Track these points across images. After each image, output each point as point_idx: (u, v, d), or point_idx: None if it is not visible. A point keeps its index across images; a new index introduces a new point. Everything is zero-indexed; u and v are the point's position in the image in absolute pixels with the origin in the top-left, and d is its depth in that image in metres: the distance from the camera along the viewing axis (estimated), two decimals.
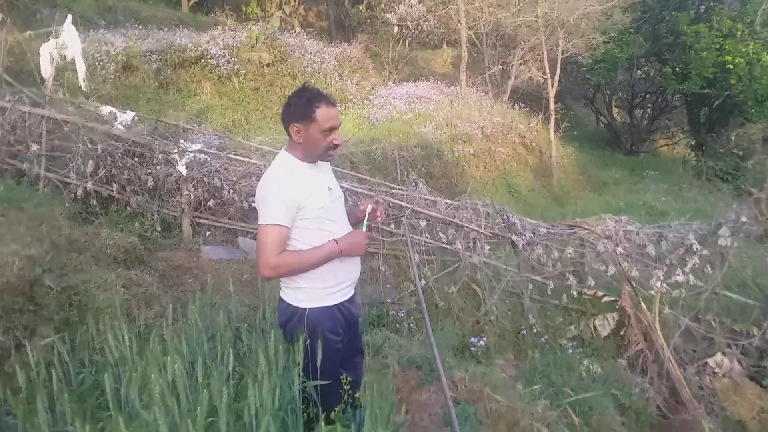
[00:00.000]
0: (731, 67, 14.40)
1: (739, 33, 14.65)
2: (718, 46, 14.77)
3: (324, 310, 2.29)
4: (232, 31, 12.35)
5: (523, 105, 15.31)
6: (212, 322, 2.86)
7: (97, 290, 3.41)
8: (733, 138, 13.93)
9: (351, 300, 2.44)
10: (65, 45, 6.19)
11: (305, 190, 2.20)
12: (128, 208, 5.28)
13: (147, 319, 3.34)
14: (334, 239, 2.26)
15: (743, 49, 14.34)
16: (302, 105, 2.21)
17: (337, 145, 2.28)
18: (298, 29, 16.04)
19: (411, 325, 4.68)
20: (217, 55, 11.26)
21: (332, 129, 2.24)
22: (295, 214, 2.19)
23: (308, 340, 2.21)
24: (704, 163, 14.44)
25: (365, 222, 2.38)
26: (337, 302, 2.33)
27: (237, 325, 2.88)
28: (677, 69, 15.94)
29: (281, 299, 2.36)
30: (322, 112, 2.20)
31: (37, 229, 3.80)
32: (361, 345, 2.67)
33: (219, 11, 15.42)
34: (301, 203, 2.18)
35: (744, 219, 5.19)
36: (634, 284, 5.14)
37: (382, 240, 5.49)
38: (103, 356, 2.49)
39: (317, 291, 2.29)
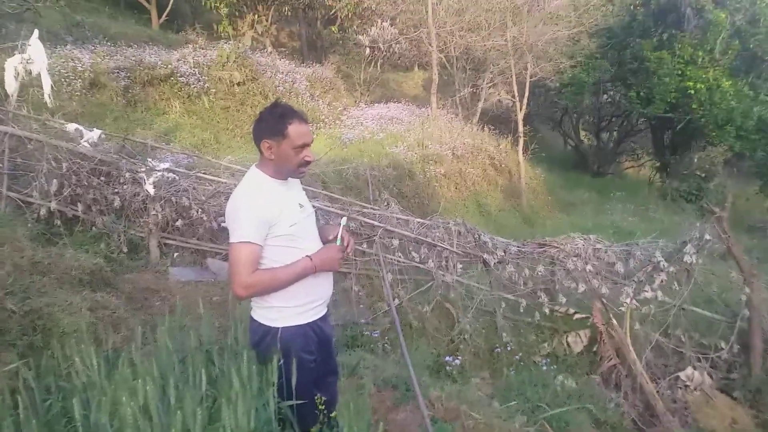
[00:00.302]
0: (693, 92, 14.93)
1: (700, 60, 15.23)
2: (680, 72, 15.31)
3: (297, 328, 2.25)
4: (203, 49, 12.26)
5: (492, 127, 15.54)
6: (182, 345, 2.77)
7: (62, 314, 3.28)
8: (695, 160, 14.37)
9: (324, 318, 2.40)
10: (31, 60, 6.06)
11: (276, 207, 2.16)
12: (93, 228, 5.13)
13: (115, 342, 3.22)
14: (307, 255, 2.22)
15: (704, 76, 14.90)
16: (274, 121, 2.18)
17: (308, 162, 2.25)
18: (270, 49, 16.05)
19: (386, 345, 4.64)
20: (187, 73, 11.16)
21: (304, 145, 2.21)
22: (266, 231, 2.14)
23: (282, 360, 2.16)
24: (669, 185, 14.86)
25: (339, 236, 2.34)
26: (309, 320, 2.29)
27: (208, 347, 2.79)
28: (642, 93, 16.44)
29: (252, 319, 2.31)
30: (294, 129, 2.17)
31: None
32: (335, 365, 2.61)
33: (190, 29, 15.35)
34: (272, 220, 2.14)
35: (708, 237, 5.34)
36: (605, 301, 5.21)
37: (355, 260, 5.45)
38: (70, 382, 2.38)
39: (289, 309, 2.24)
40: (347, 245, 2.37)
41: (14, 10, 9.09)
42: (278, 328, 2.22)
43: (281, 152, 2.19)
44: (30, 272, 3.75)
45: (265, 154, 2.21)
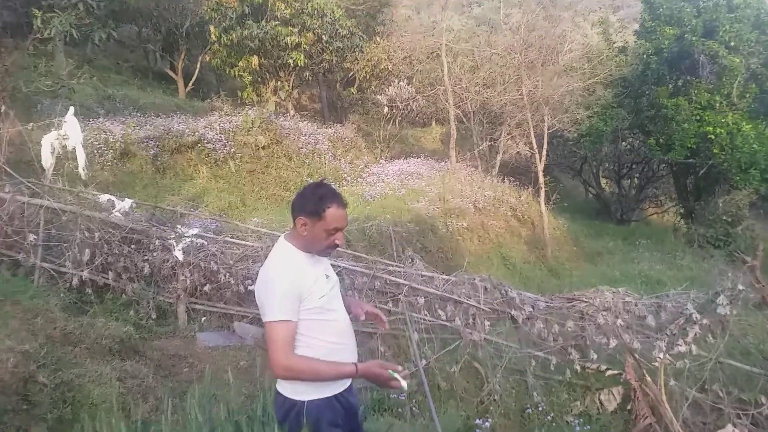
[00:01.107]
0: (713, 137, 14.89)
1: (718, 104, 15.25)
2: (698, 117, 15.34)
3: (323, 401, 2.22)
4: (228, 116, 12.73)
5: (512, 179, 15.63)
6: (211, 415, 2.78)
7: (91, 384, 3.33)
8: (720, 205, 14.17)
9: (349, 389, 2.37)
10: (66, 136, 6.37)
11: (306, 282, 2.19)
12: (123, 296, 5.24)
13: (143, 413, 3.24)
14: (354, 363, 2.23)
15: (723, 120, 14.89)
16: (315, 201, 2.21)
17: (337, 246, 2.28)
18: (292, 112, 16.57)
19: (414, 408, 4.55)
20: (213, 140, 11.54)
21: (337, 230, 2.24)
22: (298, 306, 2.16)
23: None
24: (695, 231, 14.60)
25: (396, 373, 2.25)
26: (335, 392, 2.26)
27: (236, 417, 2.80)
28: (661, 140, 16.44)
29: (278, 392, 2.29)
30: (332, 213, 2.20)
31: (32, 323, 3.75)
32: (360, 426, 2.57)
33: (215, 97, 15.96)
34: (303, 294, 2.16)
35: (741, 287, 5.22)
36: (637, 356, 5.07)
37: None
38: None
39: (315, 382, 2.22)
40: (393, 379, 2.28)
41: (49, 87, 9.60)
42: (304, 401, 2.20)
43: (314, 232, 2.22)
44: (62, 343, 3.82)
45: (298, 230, 2.24)
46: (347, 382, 2.35)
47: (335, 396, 2.26)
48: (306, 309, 2.18)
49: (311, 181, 2.33)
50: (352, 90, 19.08)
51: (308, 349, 2.19)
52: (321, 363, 2.18)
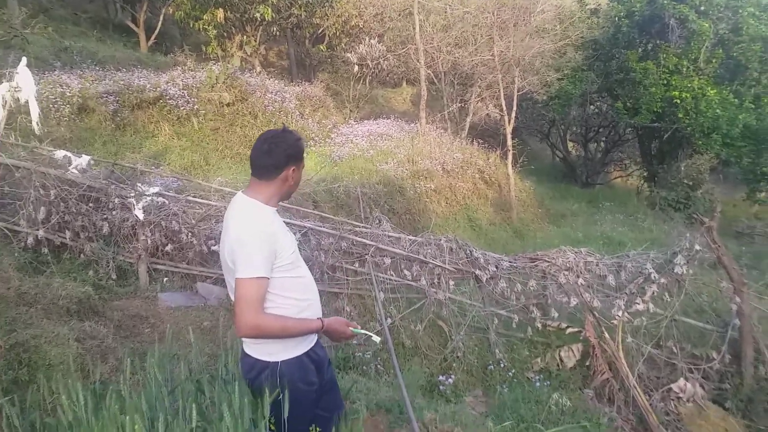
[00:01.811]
0: (678, 101, 15.07)
1: (685, 69, 15.40)
2: (665, 81, 15.47)
3: (294, 360, 2.19)
4: (191, 71, 12.29)
5: (481, 141, 15.62)
6: (172, 375, 2.75)
7: (48, 345, 3.25)
8: (683, 169, 14.48)
9: (318, 343, 2.35)
10: (19, 88, 6.05)
11: (279, 237, 2.14)
12: (82, 255, 5.11)
13: (103, 374, 3.20)
14: (320, 318, 2.26)
15: (689, 85, 15.06)
16: (297, 146, 2.20)
17: None
18: (258, 69, 16.11)
19: (378, 366, 4.61)
20: (176, 96, 11.17)
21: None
22: (273, 262, 2.10)
23: (281, 395, 2.10)
24: (657, 194, 14.93)
25: (360, 330, 2.39)
26: (305, 350, 2.24)
27: (198, 376, 2.77)
28: (628, 104, 16.58)
29: (246, 354, 2.22)
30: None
31: None
32: (334, 376, 2.56)
33: (179, 51, 15.35)
34: (277, 250, 2.11)
35: (697, 247, 5.38)
36: (597, 314, 5.21)
37: (347, 279, 5.44)
38: (56, 417, 2.35)
39: (287, 341, 2.18)
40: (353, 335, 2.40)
41: (1, 37, 9.10)
42: (277, 362, 2.16)
43: (298, 176, 2.24)
44: (16, 303, 3.72)
45: (287, 180, 2.19)
46: (314, 338, 2.32)
47: (305, 353, 2.24)
48: (279, 266, 2.13)
49: (276, 130, 2.23)
50: (322, 47, 18.63)
51: (279, 309, 2.15)
52: (289, 320, 2.15)
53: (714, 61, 15.37)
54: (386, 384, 4.17)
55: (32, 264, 4.79)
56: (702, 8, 15.19)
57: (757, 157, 14.91)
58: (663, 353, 5.20)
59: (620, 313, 5.16)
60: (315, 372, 2.27)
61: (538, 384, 4.78)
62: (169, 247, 5.40)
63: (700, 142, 15.13)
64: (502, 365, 5.06)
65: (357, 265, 5.54)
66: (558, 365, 5.23)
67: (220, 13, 14.73)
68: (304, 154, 2.25)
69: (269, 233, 2.10)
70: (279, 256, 2.11)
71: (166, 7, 17.18)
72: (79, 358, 3.29)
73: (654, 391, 4.94)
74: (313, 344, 2.29)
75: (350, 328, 2.34)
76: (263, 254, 2.06)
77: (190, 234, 5.42)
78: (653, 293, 5.32)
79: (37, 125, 6.39)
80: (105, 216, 5.28)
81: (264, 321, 2.07)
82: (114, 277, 5.05)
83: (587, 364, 5.20)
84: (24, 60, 6.16)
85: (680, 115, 15.17)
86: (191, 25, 15.76)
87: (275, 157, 2.16)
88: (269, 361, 2.17)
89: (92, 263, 5.07)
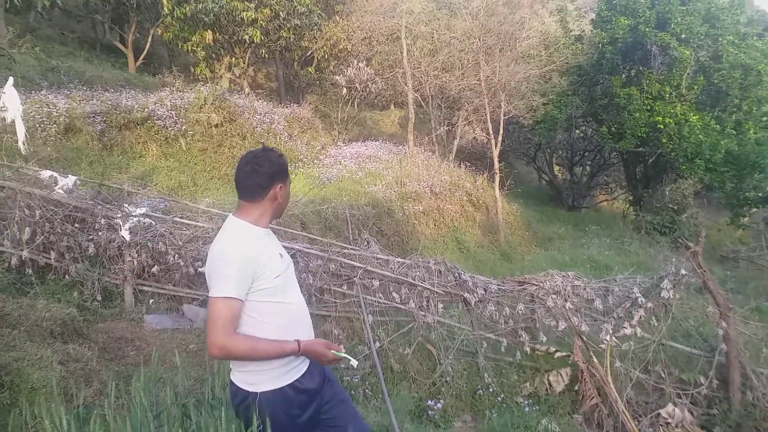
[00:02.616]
0: (662, 126, 15.35)
1: (668, 95, 15.71)
2: (648, 107, 15.77)
3: (275, 392, 2.12)
4: (180, 92, 12.31)
5: (468, 164, 15.76)
6: (157, 399, 2.69)
7: (31, 368, 3.18)
8: (667, 193, 14.67)
9: (307, 373, 2.23)
10: (5, 107, 6.04)
11: (262, 259, 2.09)
12: (67, 276, 5.03)
13: (86, 397, 3.12)
14: (296, 339, 2.14)
15: (672, 111, 15.36)
16: (280, 163, 2.20)
17: None
18: (247, 90, 16.17)
19: (366, 390, 4.56)
20: (164, 116, 11.15)
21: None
22: (249, 285, 2.06)
23: (261, 426, 2.05)
24: (642, 218, 15.10)
25: (342, 353, 2.25)
26: (289, 381, 2.16)
27: (184, 401, 2.72)
28: (613, 129, 16.86)
29: (231, 382, 2.19)
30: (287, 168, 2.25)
31: None
32: (340, 392, 2.43)
33: (167, 72, 15.39)
34: (257, 272, 2.06)
35: (683, 272, 5.41)
36: (585, 339, 5.21)
37: (335, 302, 5.40)
38: None
39: (267, 372, 2.13)
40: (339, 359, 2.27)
41: None
42: (256, 393, 2.11)
43: (286, 192, 2.23)
44: None
45: (276, 199, 2.19)
46: (302, 368, 2.22)
47: (289, 385, 2.15)
48: (259, 290, 2.08)
49: (256, 150, 2.22)
50: (310, 69, 18.77)
51: (258, 333, 2.10)
52: (260, 341, 2.07)
53: (696, 87, 15.70)
54: (374, 409, 4.12)
55: (16, 285, 4.70)
56: (683, 36, 15.56)
57: (740, 182, 15.18)
58: (651, 378, 5.19)
59: (608, 338, 5.16)
60: (305, 402, 2.19)
61: (527, 409, 4.75)
62: (155, 269, 5.34)
63: (684, 167, 15.37)
64: (491, 390, 5.03)
65: (345, 287, 5.50)
66: (547, 390, 5.21)
67: (209, 35, 14.82)
68: (288, 170, 2.24)
69: (249, 256, 2.06)
70: (259, 279, 2.07)
71: (154, 28, 17.27)
72: (62, 381, 3.21)
73: (643, 417, 4.92)
74: (299, 375, 2.19)
75: (332, 351, 2.21)
76: (238, 276, 2.02)
77: (176, 255, 5.36)
78: (641, 317, 5.33)
79: (23, 145, 6.37)
80: (91, 237, 5.21)
81: (231, 342, 2.00)
82: (99, 298, 4.97)
83: (576, 388, 5.18)
84: (11, 80, 6.16)
85: (664, 141, 15.44)
86: (180, 47, 15.83)
87: (260, 176, 2.16)
88: (249, 392, 2.12)
89: (77, 284, 4.99)
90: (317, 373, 2.29)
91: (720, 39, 15.83)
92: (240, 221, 2.17)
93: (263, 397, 2.11)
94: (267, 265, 2.10)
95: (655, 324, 5.34)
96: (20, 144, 6.21)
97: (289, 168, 2.32)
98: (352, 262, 5.50)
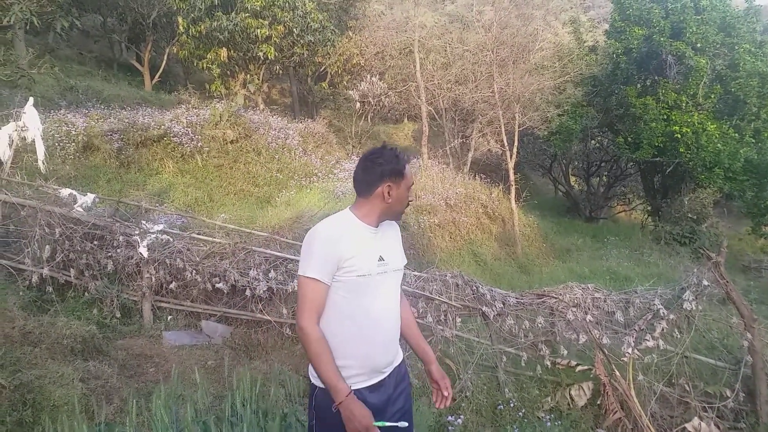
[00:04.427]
0: (679, 136, 15.18)
1: (684, 104, 15.56)
2: (665, 117, 15.62)
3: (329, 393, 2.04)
4: (195, 109, 12.47)
5: (483, 176, 15.71)
6: (178, 416, 2.69)
7: (52, 386, 3.19)
8: (686, 203, 14.48)
9: (374, 387, 2.12)
10: (25, 127, 6.13)
11: (350, 250, 2.04)
12: (86, 294, 5.07)
13: (108, 415, 3.12)
14: (351, 390, 2.02)
15: (689, 120, 15.19)
16: (395, 161, 2.15)
17: (411, 202, 2.25)
18: (262, 106, 16.34)
19: None
20: (180, 133, 11.29)
21: (412, 185, 2.24)
22: (333, 271, 2.02)
23: (314, 421, 2.06)
24: (661, 228, 14.90)
25: (387, 423, 2.10)
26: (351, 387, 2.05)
27: (204, 418, 2.71)
28: (629, 139, 16.70)
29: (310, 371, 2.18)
30: (408, 168, 2.20)
31: None
32: (407, 411, 2.29)
33: (182, 90, 15.61)
34: (341, 260, 2.02)
35: (706, 282, 5.31)
36: (606, 352, 5.12)
37: None
38: None
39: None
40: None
41: (8, 77, 9.24)
42: (316, 387, 2.11)
43: (399, 193, 2.17)
44: (21, 343, 3.67)
45: (383, 198, 2.14)
46: (370, 381, 2.12)
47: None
48: (338, 281, 2.04)
49: (376, 147, 2.22)
50: (324, 85, 18.94)
51: (334, 325, 2.06)
52: (325, 354, 2.01)
53: (712, 96, 15.54)
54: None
55: (36, 303, 4.75)
56: (698, 45, 15.44)
57: (761, 190, 14.94)
58: (675, 391, 5.08)
59: (630, 350, 5.06)
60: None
61: (549, 424, 4.66)
62: (173, 285, 5.35)
63: (703, 176, 15.17)
64: (511, 404, 4.95)
65: None
66: (569, 404, 5.11)
67: (224, 53, 15.01)
68: (405, 170, 2.16)
69: (333, 239, 2.04)
70: (342, 269, 2.04)
71: (170, 46, 17.55)
72: (83, 398, 3.22)
73: (668, 431, 4.82)
74: (364, 385, 2.10)
75: (374, 423, 2.01)
76: (319, 256, 2.02)
77: (194, 271, 5.38)
78: (663, 329, 5.23)
79: (43, 164, 6.45)
80: (109, 254, 5.25)
81: (307, 333, 2.00)
82: (118, 315, 5.00)
83: (598, 402, 5.08)
84: (31, 100, 6.26)
85: (681, 150, 15.26)
86: (195, 64, 16.06)
87: (369, 173, 2.16)
88: (316, 385, 2.12)
89: (96, 301, 5.03)
90: (384, 391, 2.19)
91: (736, 47, 15.67)
92: (348, 212, 2.17)
93: (320, 392, 2.09)
94: (355, 258, 2.05)
95: (678, 336, 5.24)
96: (40, 163, 6.30)
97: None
98: None
